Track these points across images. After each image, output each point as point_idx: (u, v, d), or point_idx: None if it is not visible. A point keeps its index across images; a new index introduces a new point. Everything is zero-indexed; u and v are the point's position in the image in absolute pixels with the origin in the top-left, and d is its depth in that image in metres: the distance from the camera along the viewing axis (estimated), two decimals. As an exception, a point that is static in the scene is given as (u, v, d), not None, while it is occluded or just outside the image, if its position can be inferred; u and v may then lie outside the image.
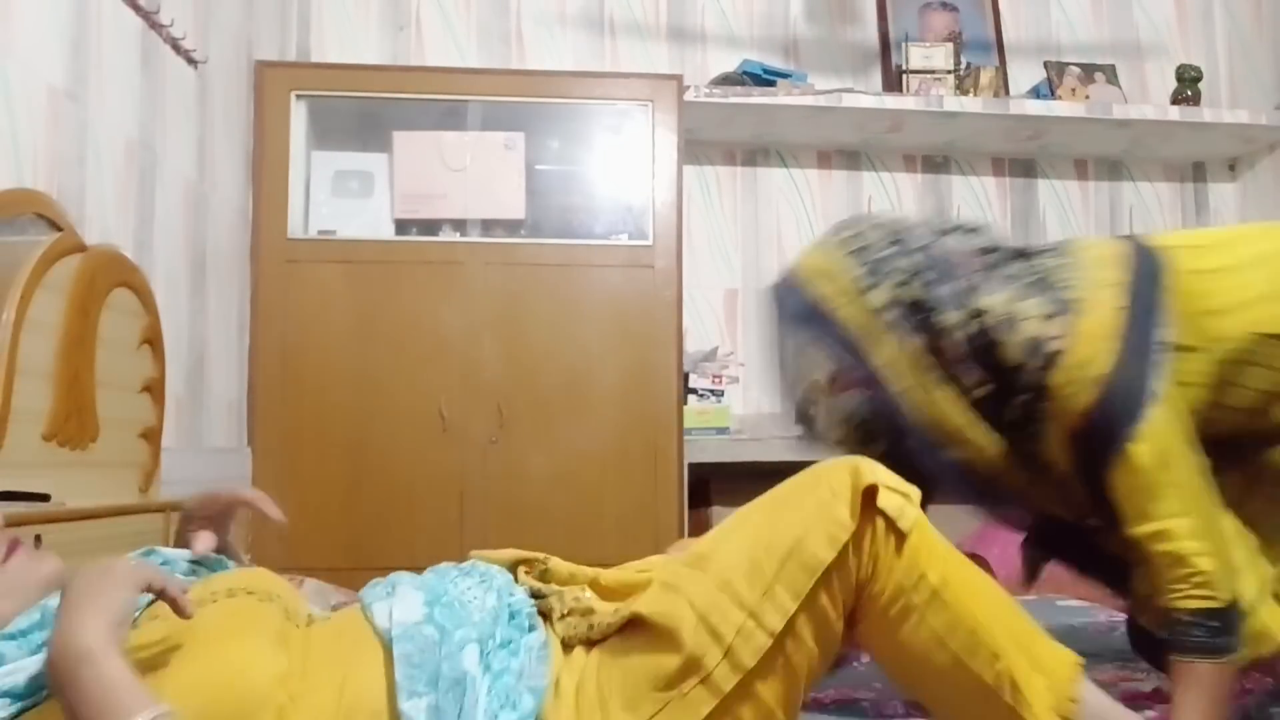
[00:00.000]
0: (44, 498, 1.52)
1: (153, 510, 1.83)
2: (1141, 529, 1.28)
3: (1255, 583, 1.33)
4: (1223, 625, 1.24)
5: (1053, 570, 2.87)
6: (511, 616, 1.07)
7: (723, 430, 3.05)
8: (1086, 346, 1.30)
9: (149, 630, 0.98)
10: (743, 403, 3.36)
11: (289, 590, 1.10)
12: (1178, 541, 1.25)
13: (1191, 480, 1.30)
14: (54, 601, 0.95)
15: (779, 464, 3.05)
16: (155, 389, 2.03)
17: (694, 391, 3.10)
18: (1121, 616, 2.03)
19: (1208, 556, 1.25)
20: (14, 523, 1.37)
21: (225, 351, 2.70)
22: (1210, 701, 1.22)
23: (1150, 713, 1.35)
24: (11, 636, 0.92)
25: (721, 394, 3.14)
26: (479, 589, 1.10)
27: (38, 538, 1.41)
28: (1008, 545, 2.97)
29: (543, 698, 0.98)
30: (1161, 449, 1.27)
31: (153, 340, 2.02)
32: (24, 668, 0.89)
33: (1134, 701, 1.35)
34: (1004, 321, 1.34)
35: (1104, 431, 1.28)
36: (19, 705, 0.87)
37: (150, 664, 0.91)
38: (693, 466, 2.94)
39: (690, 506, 2.97)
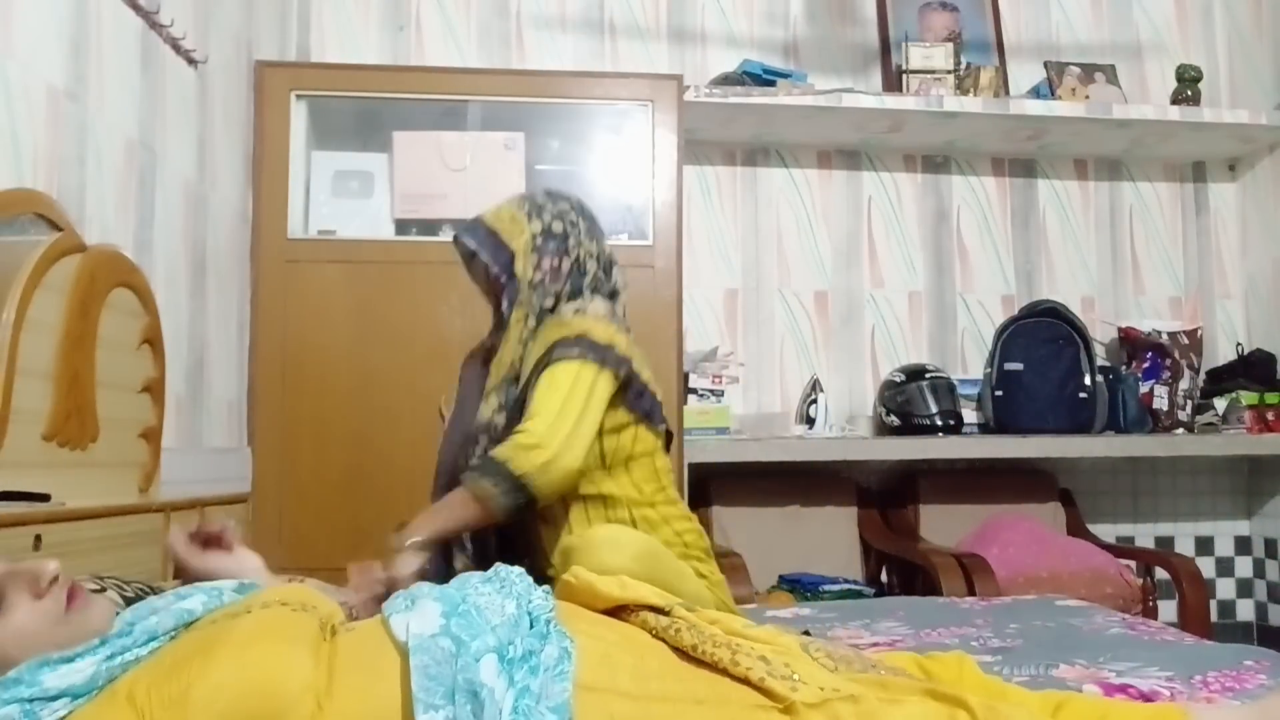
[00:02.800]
0: (44, 498, 1.52)
1: (153, 510, 1.84)
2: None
3: None
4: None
5: (1053, 570, 2.89)
6: (531, 624, 1.07)
7: (723, 430, 3.05)
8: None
9: (184, 640, 1.00)
10: (743, 403, 3.36)
11: (324, 601, 1.11)
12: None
13: None
14: (113, 633, 1.01)
15: (779, 464, 3.07)
16: (155, 389, 2.03)
17: (694, 391, 3.11)
18: (1119, 616, 2.03)
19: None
20: (14, 523, 1.38)
21: (225, 351, 2.70)
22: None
23: (1120, 696, 1.36)
24: (69, 659, 0.96)
25: (721, 394, 3.14)
26: (498, 595, 1.11)
27: (38, 538, 1.41)
28: (1006, 546, 3.00)
29: (567, 714, 0.97)
30: None
31: (153, 340, 2.03)
32: (81, 669, 0.94)
33: (1108, 693, 1.37)
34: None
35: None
36: (76, 704, 0.93)
37: (181, 670, 0.92)
38: (693, 466, 2.94)
39: (691, 506, 2.96)
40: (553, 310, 1.89)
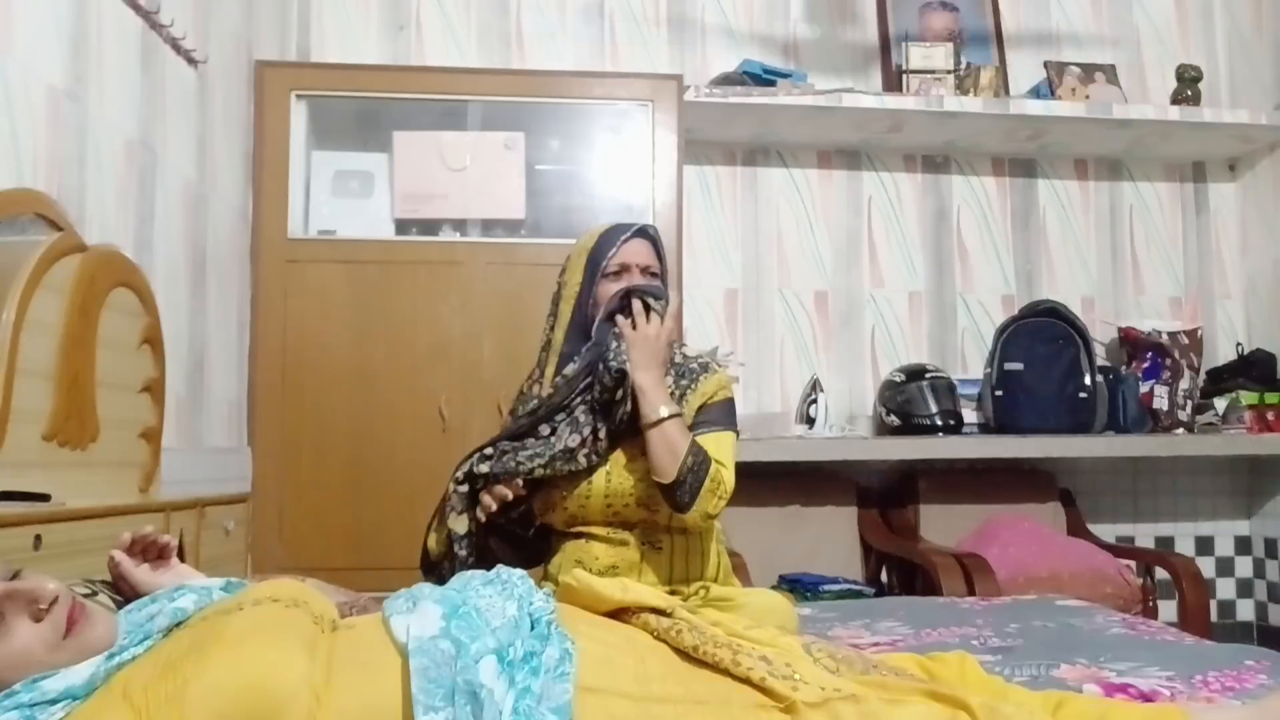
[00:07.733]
0: (44, 498, 1.52)
1: (153, 510, 1.83)
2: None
3: None
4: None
5: (1053, 570, 2.88)
6: (533, 626, 1.07)
7: (723, 430, 3.04)
8: None
9: (178, 638, 1.00)
10: (743, 403, 3.35)
11: (316, 597, 1.11)
12: None
13: None
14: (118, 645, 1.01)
15: (779, 464, 3.07)
16: (155, 389, 2.03)
17: (694, 391, 3.10)
18: (1119, 616, 2.03)
19: None
20: (14, 523, 1.38)
21: (225, 351, 2.70)
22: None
23: (1121, 696, 1.36)
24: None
25: (721, 394, 3.13)
26: (499, 597, 1.11)
27: (38, 537, 1.41)
28: (1007, 545, 2.99)
29: (568, 715, 0.97)
30: None
31: (153, 340, 2.03)
32: (78, 672, 0.95)
33: (1108, 692, 1.37)
34: None
35: None
36: (74, 705, 0.94)
37: (177, 668, 0.93)
38: (693, 466, 2.93)
39: (690, 506, 2.96)
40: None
